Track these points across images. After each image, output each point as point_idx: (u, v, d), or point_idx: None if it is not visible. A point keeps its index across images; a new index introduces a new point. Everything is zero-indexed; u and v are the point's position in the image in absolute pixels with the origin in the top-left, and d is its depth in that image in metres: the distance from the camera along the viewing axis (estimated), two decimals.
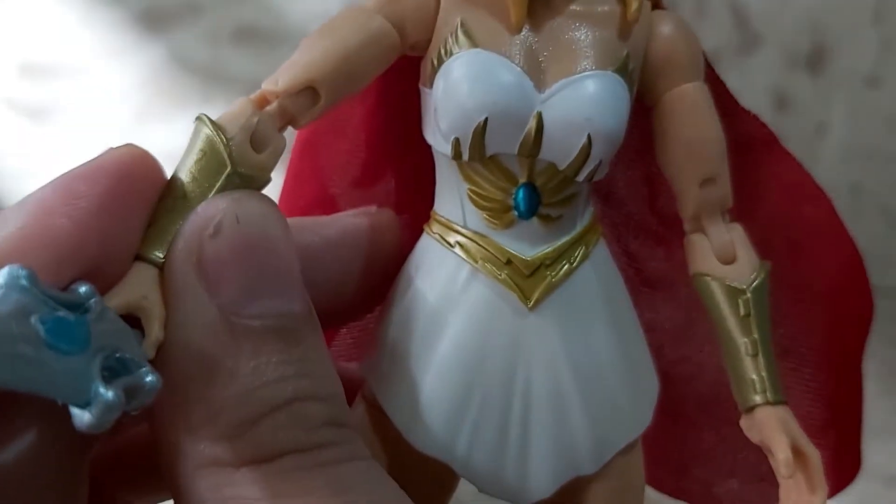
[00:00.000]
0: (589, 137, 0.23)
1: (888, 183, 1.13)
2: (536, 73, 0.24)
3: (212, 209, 0.24)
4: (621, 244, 0.29)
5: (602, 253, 0.26)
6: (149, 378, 0.20)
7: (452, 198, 0.25)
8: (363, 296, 0.29)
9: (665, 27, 0.27)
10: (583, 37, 0.24)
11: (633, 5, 0.25)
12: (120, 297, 0.22)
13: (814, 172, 1.24)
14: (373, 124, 0.29)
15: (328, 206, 0.30)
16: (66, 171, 0.25)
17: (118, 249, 0.23)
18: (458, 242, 0.25)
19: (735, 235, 0.26)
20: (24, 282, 0.19)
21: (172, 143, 1.17)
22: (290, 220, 0.25)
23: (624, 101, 0.24)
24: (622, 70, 0.25)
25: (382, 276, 0.28)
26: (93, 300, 0.21)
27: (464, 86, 0.24)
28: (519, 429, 0.24)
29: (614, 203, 0.29)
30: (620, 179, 0.28)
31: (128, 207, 0.24)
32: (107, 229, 0.23)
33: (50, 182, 0.24)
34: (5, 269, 0.19)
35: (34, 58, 1.16)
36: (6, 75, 1.17)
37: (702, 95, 0.27)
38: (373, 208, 0.29)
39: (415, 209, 0.29)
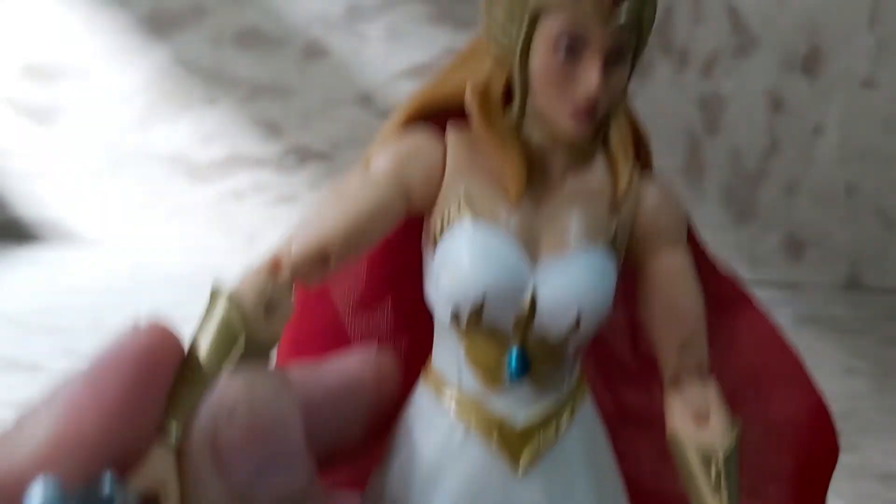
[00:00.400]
0: (578, 314, 0.25)
1: (884, 184, 1.14)
2: (531, 246, 0.26)
3: (227, 393, 0.25)
4: (604, 380, 0.30)
5: (587, 410, 0.27)
6: None
7: (449, 353, 0.27)
8: (362, 439, 0.29)
9: (651, 196, 0.28)
10: (576, 211, 0.26)
11: (623, 181, 0.26)
12: (141, 484, 0.24)
13: (810, 174, 1.24)
14: (375, 255, 0.30)
15: (336, 328, 0.31)
16: (93, 358, 0.25)
17: (142, 432, 0.25)
18: (453, 404, 0.26)
19: (710, 395, 0.27)
20: (56, 500, 0.20)
21: (175, 144, 1.18)
22: (292, 370, 0.26)
23: (611, 275, 0.26)
24: (611, 243, 0.26)
25: (381, 419, 0.29)
26: (118, 495, 0.23)
27: (465, 264, 0.25)
28: None
29: (599, 342, 0.30)
30: (605, 322, 0.28)
31: (151, 395, 0.25)
32: (133, 418, 0.24)
33: (79, 375, 0.25)
34: (39, 490, 0.21)
35: (38, 60, 1.17)
36: (10, 77, 1.18)
37: (684, 264, 0.28)
38: (373, 352, 0.29)
39: (413, 333, 0.30)
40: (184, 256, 1.14)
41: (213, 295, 0.27)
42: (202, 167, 1.17)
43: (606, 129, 0.27)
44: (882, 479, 0.65)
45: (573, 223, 0.26)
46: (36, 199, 1.20)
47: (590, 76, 0.24)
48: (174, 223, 1.19)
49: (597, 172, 0.27)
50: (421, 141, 0.27)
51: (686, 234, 0.28)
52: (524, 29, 0.25)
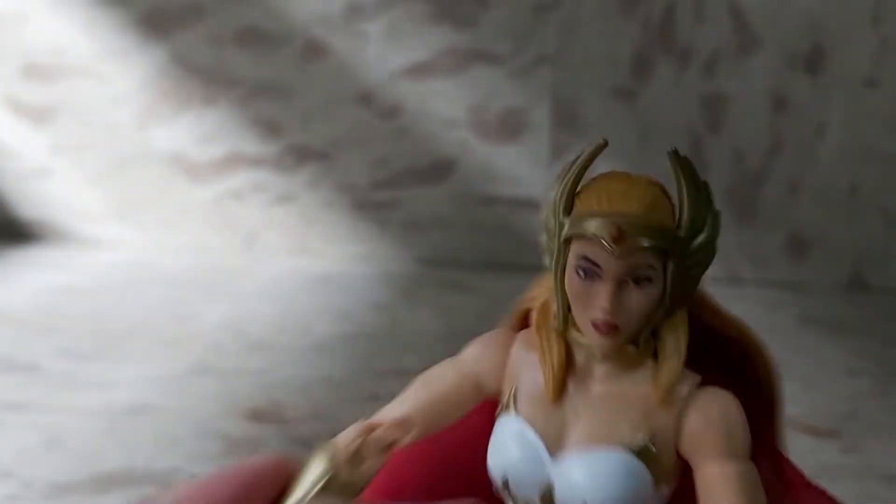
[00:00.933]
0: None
1: (887, 183, 1.13)
2: (557, 440, 0.31)
3: None
4: None
5: None
6: None
7: None
8: None
9: (701, 410, 0.30)
10: (606, 414, 0.31)
11: (661, 393, 0.30)
12: None
13: (813, 173, 1.23)
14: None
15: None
16: (215, 470, 0.32)
17: None
18: None
19: None
20: None
21: (175, 144, 1.18)
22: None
23: (627, 479, 0.29)
24: (640, 450, 0.30)
25: None
26: None
27: (497, 449, 0.32)
28: None
29: None
30: None
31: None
32: None
33: (201, 479, 0.31)
34: None
35: (38, 59, 1.17)
36: (11, 77, 1.18)
37: (730, 477, 0.29)
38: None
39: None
40: (182, 256, 1.14)
41: (319, 446, 0.34)
42: (201, 167, 1.17)
43: (657, 341, 0.30)
44: (886, 480, 0.65)
45: (599, 425, 0.30)
46: (35, 199, 1.20)
47: (601, 300, 0.29)
48: (173, 223, 1.19)
49: (640, 380, 0.30)
50: (494, 344, 0.34)
51: (748, 445, 0.30)
52: (557, 253, 0.31)
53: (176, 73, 1.16)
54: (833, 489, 0.62)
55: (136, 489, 0.58)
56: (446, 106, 1.14)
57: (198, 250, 1.16)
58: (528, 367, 0.33)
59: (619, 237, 0.29)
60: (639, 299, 0.29)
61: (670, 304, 0.30)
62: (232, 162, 1.17)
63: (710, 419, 0.30)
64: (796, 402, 0.76)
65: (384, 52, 1.13)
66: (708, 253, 0.30)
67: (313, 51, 1.14)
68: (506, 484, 0.32)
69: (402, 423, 0.33)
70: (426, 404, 0.34)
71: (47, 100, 1.18)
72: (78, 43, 1.16)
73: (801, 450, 0.67)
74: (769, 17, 1.11)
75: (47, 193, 1.20)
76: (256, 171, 1.17)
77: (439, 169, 1.15)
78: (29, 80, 1.18)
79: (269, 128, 1.16)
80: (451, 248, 1.15)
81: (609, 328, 0.29)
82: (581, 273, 0.30)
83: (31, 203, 1.21)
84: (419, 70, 1.13)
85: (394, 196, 1.16)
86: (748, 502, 0.29)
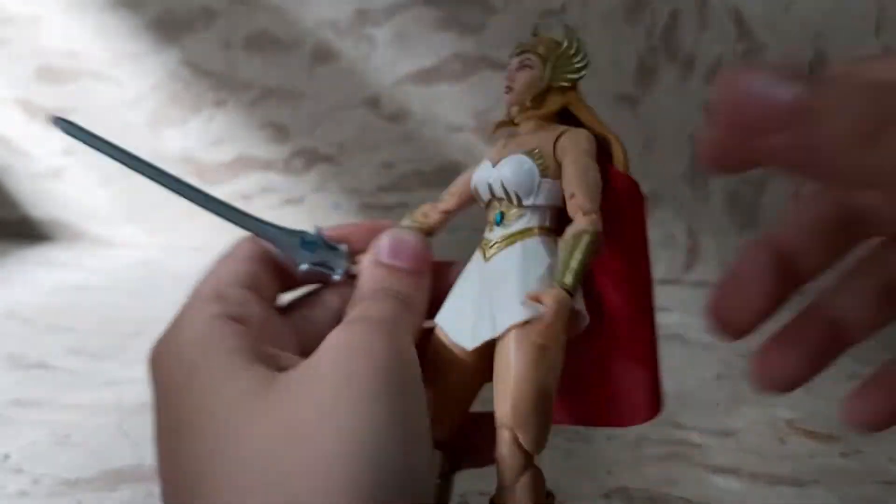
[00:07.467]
0: (503, 186, 0.46)
1: None
2: (497, 160, 0.48)
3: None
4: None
5: (532, 242, 0.45)
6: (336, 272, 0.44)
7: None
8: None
9: (569, 133, 0.46)
10: (521, 145, 0.47)
11: (550, 132, 0.46)
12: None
13: None
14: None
15: None
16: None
17: None
18: (480, 244, 0.48)
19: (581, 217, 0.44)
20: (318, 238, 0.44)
21: (185, 146, 1.18)
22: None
23: (522, 165, 0.46)
24: (529, 152, 0.47)
25: None
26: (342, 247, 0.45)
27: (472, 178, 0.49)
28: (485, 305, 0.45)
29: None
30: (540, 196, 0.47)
31: None
32: None
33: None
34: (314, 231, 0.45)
35: (51, 62, 1.18)
36: (24, 79, 1.19)
37: (579, 162, 0.45)
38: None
39: None
40: (192, 257, 1.15)
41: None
42: (211, 169, 1.18)
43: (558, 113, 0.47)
44: (886, 486, 0.65)
45: (516, 148, 0.47)
46: (47, 200, 1.21)
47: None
48: (183, 223, 1.20)
49: (544, 131, 0.47)
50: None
51: (592, 146, 0.46)
52: None
53: (187, 77, 1.17)
54: (833, 493, 0.62)
55: (146, 486, 0.59)
56: (453, 110, 1.15)
57: (207, 251, 1.17)
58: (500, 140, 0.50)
59: (520, 50, 0.47)
60: (522, 75, 0.47)
61: (547, 87, 0.47)
62: (241, 164, 1.18)
63: (572, 138, 0.46)
64: (796, 406, 0.77)
65: (392, 57, 1.14)
66: (575, 66, 0.47)
67: (322, 55, 1.15)
68: (475, 190, 0.47)
69: (435, 205, 0.50)
70: (454, 190, 0.50)
71: (60, 101, 1.19)
72: (90, 46, 1.17)
73: (800, 453, 0.68)
74: (773, 24, 1.12)
75: (59, 194, 1.21)
76: (265, 173, 1.18)
77: (445, 173, 1.16)
78: (42, 82, 1.19)
79: (278, 131, 1.17)
80: (456, 250, 1.16)
81: (507, 89, 0.47)
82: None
83: (43, 203, 1.22)
84: (426, 75, 1.14)
85: (400, 199, 1.16)
86: (582, 174, 0.44)
